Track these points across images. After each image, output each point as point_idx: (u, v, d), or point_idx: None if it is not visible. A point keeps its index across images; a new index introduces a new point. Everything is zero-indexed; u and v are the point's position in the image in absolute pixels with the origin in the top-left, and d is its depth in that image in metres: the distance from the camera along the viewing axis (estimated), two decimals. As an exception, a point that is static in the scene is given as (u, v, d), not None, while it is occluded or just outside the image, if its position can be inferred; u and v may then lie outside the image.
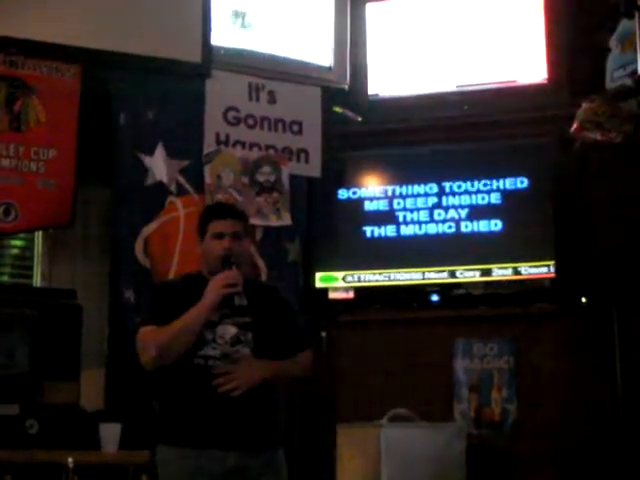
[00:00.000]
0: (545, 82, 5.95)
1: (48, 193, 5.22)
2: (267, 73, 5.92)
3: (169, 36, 5.52)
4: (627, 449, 5.28)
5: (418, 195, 5.93)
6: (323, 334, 5.82)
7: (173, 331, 3.65)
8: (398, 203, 5.95)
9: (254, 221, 5.67)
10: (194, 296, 3.70)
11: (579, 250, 5.59)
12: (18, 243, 5.69)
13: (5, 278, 5.70)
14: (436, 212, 5.89)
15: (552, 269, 5.62)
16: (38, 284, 5.61)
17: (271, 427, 3.78)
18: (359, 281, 5.89)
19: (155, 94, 5.60)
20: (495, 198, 5.84)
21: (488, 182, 5.85)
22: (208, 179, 5.66)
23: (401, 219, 5.93)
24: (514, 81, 6.03)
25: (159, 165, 5.54)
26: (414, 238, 5.90)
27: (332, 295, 5.95)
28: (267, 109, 5.89)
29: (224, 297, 3.66)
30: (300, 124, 5.93)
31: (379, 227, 5.95)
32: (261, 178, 5.78)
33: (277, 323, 3.84)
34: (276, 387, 3.87)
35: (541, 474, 5.47)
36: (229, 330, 3.73)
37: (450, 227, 5.87)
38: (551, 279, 5.64)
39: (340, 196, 6.06)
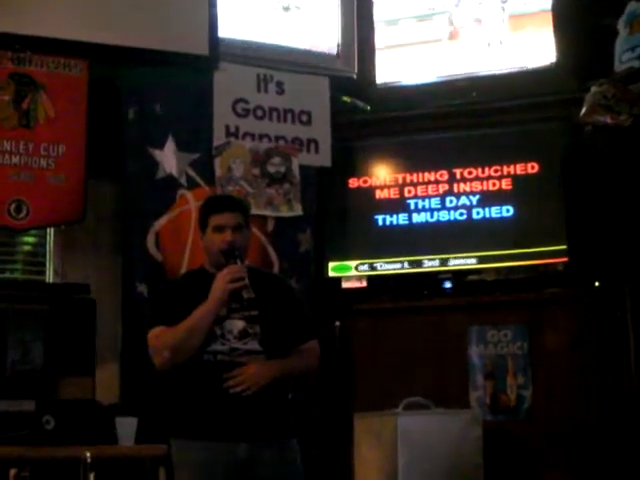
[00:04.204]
0: (553, 66, 5.91)
1: (59, 189, 5.23)
2: (275, 64, 5.91)
3: (176, 29, 5.51)
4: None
5: (429, 182, 5.93)
6: (337, 323, 5.82)
7: (184, 331, 3.64)
8: (409, 191, 5.96)
9: (265, 212, 5.70)
10: (199, 292, 3.68)
11: (591, 234, 5.58)
12: (30, 240, 5.69)
13: (18, 275, 5.70)
14: (447, 199, 5.89)
15: (565, 253, 5.62)
16: (51, 280, 5.60)
17: (282, 417, 3.77)
18: (372, 270, 5.90)
19: (163, 87, 5.60)
20: (506, 184, 5.83)
21: (499, 168, 5.85)
22: (219, 171, 5.66)
23: (412, 207, 5.93)
24: (523, 66, 6.01)
25: (169, 158, 5.55)
26: (426, 225, 5.90)
27: (345, 284, 5.95)
28: (276, 100, 5.88)
29: (232, 292, 3.66)
30: (309, 114, 5.91)
31: (391, 215, 5.94)
32: (272, 169, 5.78)
33: (283, 313, 3.82)
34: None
35: (557, 459, 5.47)
36: (237, 324, 3.71)
37: (462, 214, 5.86)
38: (564, 263, 5.63)
39: (351, 185, 6.06)
